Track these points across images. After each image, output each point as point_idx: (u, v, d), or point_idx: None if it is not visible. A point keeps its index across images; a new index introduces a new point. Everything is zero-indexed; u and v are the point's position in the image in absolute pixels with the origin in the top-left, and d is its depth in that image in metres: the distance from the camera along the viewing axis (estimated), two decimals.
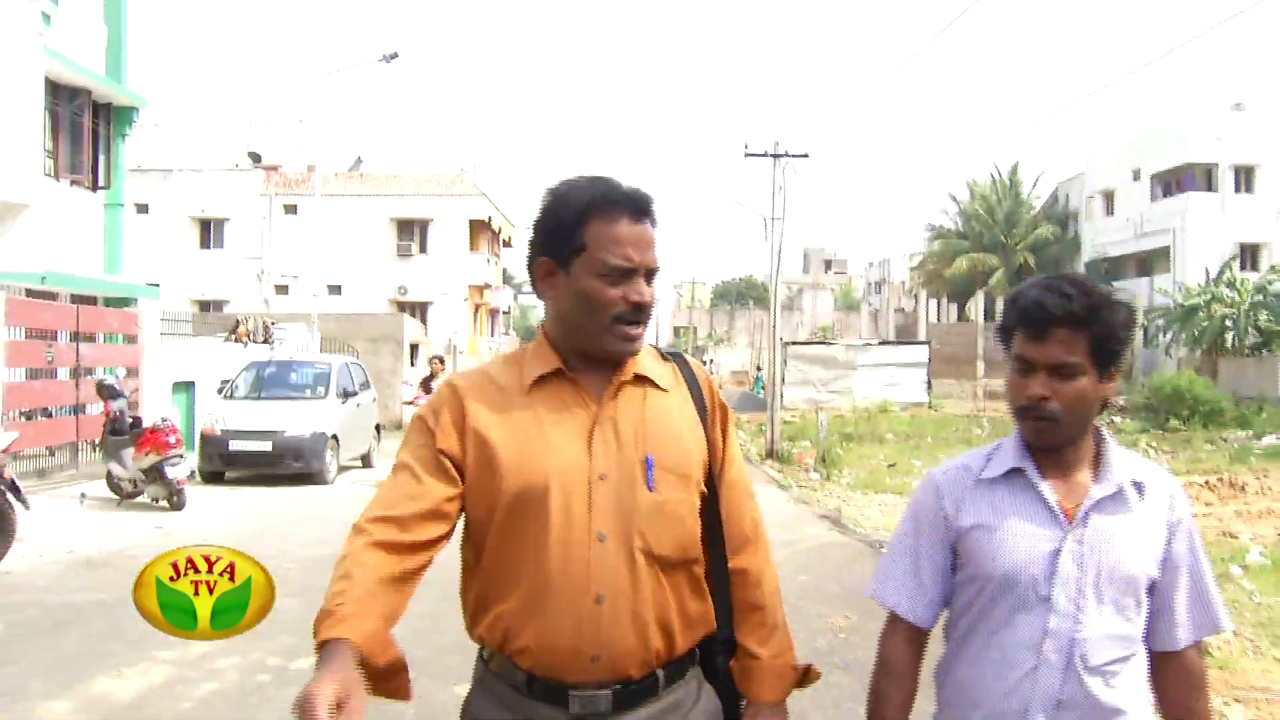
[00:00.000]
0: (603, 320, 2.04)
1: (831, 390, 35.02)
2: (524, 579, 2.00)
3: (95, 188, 20.15)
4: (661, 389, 2.13)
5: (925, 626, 2.25)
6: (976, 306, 45.86)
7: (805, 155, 21.78)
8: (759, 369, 46.21)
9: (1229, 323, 34.97)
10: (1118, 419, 28.84)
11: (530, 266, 2.13)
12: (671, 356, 2.23)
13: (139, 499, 12.48)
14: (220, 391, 16.58)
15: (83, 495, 12.66)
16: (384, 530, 1.94)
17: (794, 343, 39.42)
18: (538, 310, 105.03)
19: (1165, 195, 43.15)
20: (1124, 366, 2.15)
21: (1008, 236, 47.78)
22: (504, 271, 56.22)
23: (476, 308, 48.08)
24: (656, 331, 76.33)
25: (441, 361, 13.83)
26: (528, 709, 2.02)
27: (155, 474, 12.01)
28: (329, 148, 41.12)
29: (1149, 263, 43.76)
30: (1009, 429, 2.23)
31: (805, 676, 2.21)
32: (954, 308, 50.93)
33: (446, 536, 2.02)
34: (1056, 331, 2.04)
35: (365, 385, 17.68)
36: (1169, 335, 37.26)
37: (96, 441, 13.92)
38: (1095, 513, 2.10)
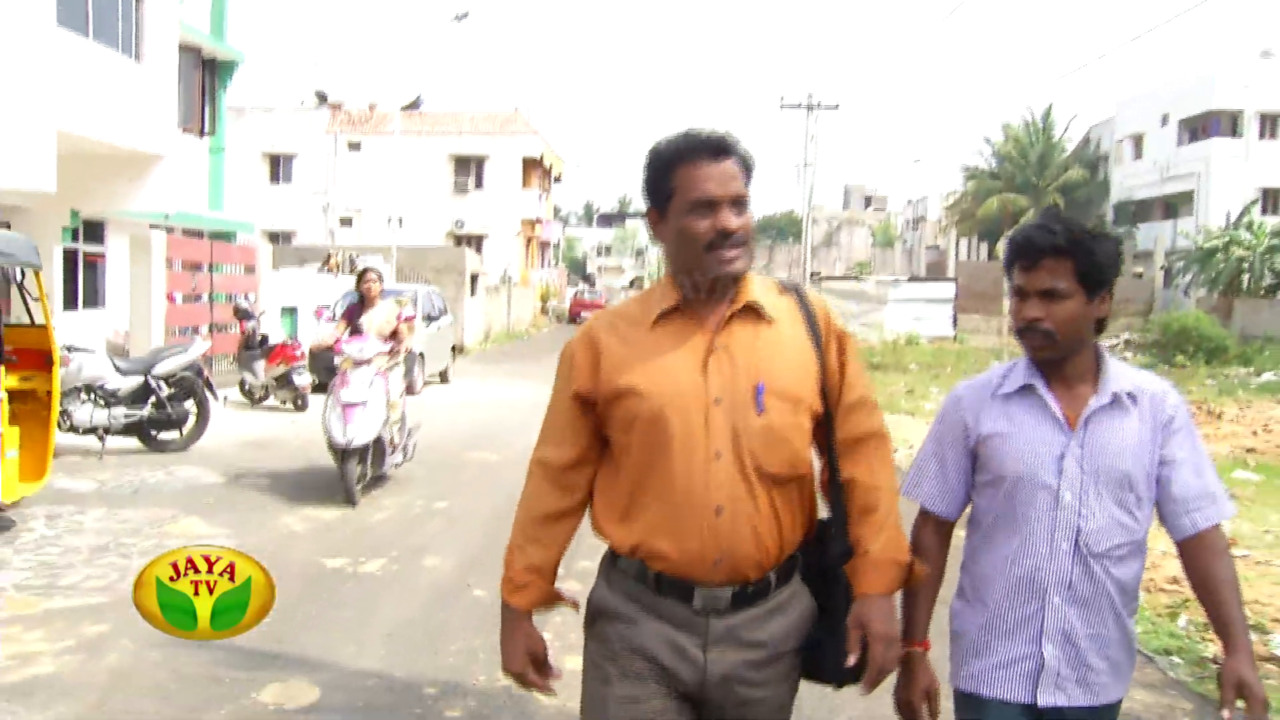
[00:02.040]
0: (698, 250, 2.24)
1: (863, 324, 37.09)
2: (654, 494, 2.24)
3: (202, 134, 22.76)
4: (774, 320, 2.31)
5: (950, 519, 2.56)
6: (1003, 245, 47.52)
7: (836, 106, 24.07)
8: None
9: (1245, 265, 36.25)
10: (1129, 355, 30.79)
11: (647, 220, 2.39)
12: (790, 289, 2.41)
13: (266, 402, 15.22)
14: (322, 315, 19.28)
15: (224, 398, 15.43)
16: (547, 479, 2.40)
17: (828, 278, 41.57)
18: (583, 243, 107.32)
19: (1191, 140, 44.50)
20: (1114, 291, 2.44)
21: (1039, 178, 49.28)
22: (554, 206, 58.37)
23: (528, 241, 50.34)
24: None
25: (379, 278, 9.42)
26: (653, 602, 2.29)
27: (285, 381, 14.76)
28: (389, 86, 43.29)
29: (1174, 206, 45.20)
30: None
31: (911, 572, 2.39)
32: (985, 246, 52.64)
33: (596, 465, 2.40)
34: (1045, 261, 2.35)
35: (444, 312, 20.40)
36: (1188, 276, 38.84)
37: (233, 356, 16.61)
38: (1094, 420, 2.38)
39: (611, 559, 2.39)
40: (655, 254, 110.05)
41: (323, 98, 49.10)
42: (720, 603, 2.26)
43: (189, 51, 21.24)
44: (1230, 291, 36.63)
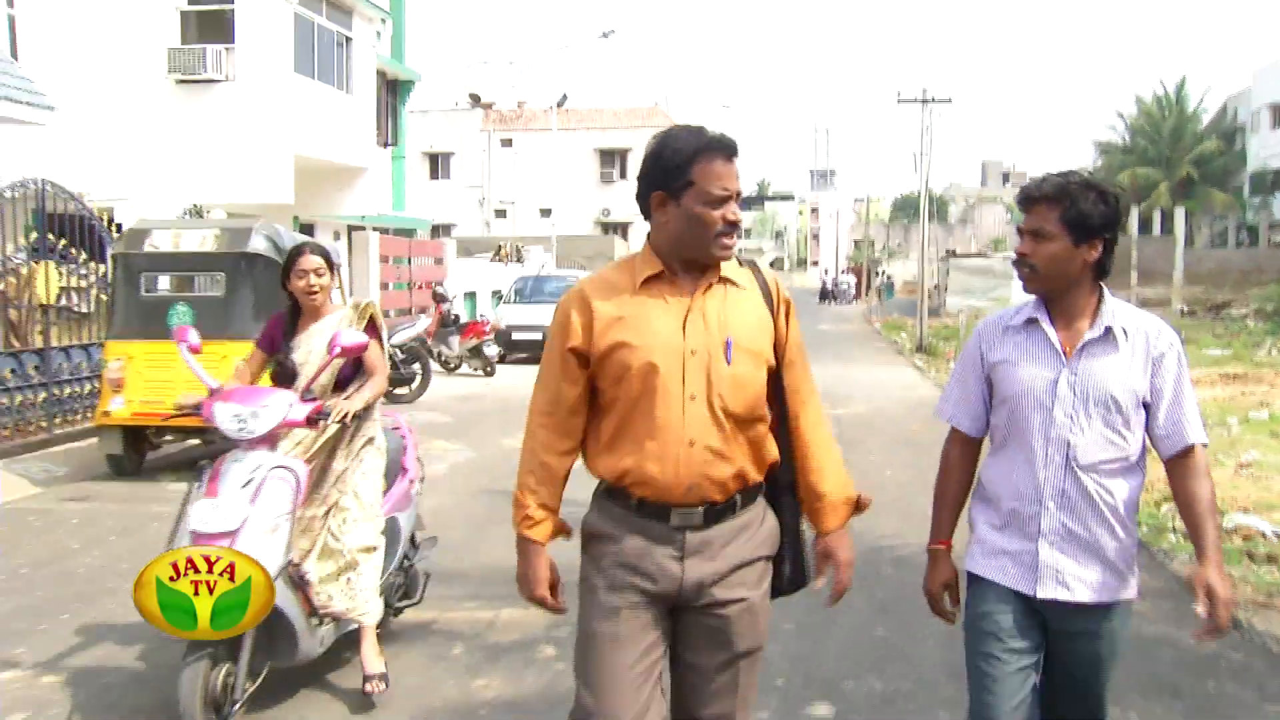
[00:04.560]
0: (709, 236, 2.61)
1: (990, 298, 38.49)
2: (638, 430, 2.63)
3: (386, 145, 26.26)
4: (739, 287, 2.71)
5: (974, 435, 2.93)
6: (1132, 219, 47.80)
7: (949, 100, 26.22)
8: (889, 278, 52.41)
9: None
10: (1251, 322, 31.90)
11: (642, 197, 2.68)
12: (748, 264, 2.81)
13: (460, 370, 18.48)
14: (499, 298, 22.61)
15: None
16: (546, 427, 2.74)
17: (956, 256, 43.21)
18: None
19: None
20: (1108, 239, 2.70)
21: (1172, 151, 49.48)
22: None
23: None
24: (836, 244, 79.92)
25: (329, 267, 4.61)
26: (635, 524, 2.68)
27: (476, 352, 17.99)
28: (537, 85, 46.27)
29: None
30: None
31: (858, 506, 2.82)
32: None
33: (587, 411, 2.74)
34: (1036, 206, 2.71)
35: None
36: None
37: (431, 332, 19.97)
38: (1088, 350, 2.71)
39: (602, 491, 2.76)
40: (794, 234, 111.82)
41: (476, 99, 52.36)
42: (694, 519, 2.65)
43: (377, 75, 24.74)
44: None
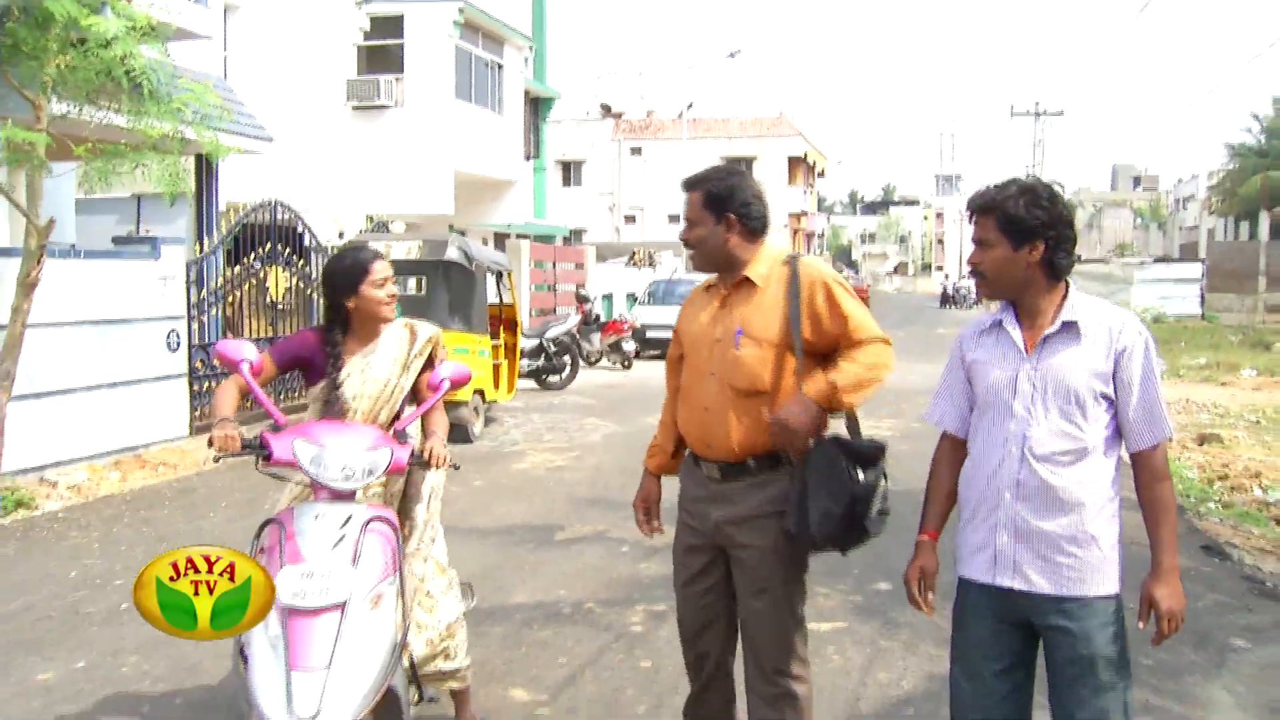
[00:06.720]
0: None
1: (1112, 303, 38.89)
2: (684, 396, 3.43)
3: (529, 158, 28.45)
4: (757, 286, 3.28)
5: (962, 436, 3.04)
6: (1262, 224, 47.10)
7: (1061, 113, 27.28)
8: None
9: None
10: None
11: None
12: (790, 260, 3.33)
13: (601, 364, 20.47)
14: (634, 299, 24.60)
15: None
16: (668, 387, 3.61)
17: (1080, 261, 43.34)
18: (848, 230, 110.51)
19: None
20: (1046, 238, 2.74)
21: None
22: (819, 198, 62.28)
23: (794, 232, 54.59)
24: (960, 249, 79.54)
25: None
26: (692, 470, 3.44)
27: (616, 348, 19.99)
28: (664, 94, 47.89)
29: None
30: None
31: (836, 395, 3.13)
32: (1247, 225, 52.29)
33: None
34: (978, 218, 2.87)
35: None
36: None
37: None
38: (1048, 344, 2.80)
39: None
40: (919, 239, 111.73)
41: (607, 109, 54.59)
42: (714, 472, 3.31)
43: (524, 95, 26.98)
44: None
